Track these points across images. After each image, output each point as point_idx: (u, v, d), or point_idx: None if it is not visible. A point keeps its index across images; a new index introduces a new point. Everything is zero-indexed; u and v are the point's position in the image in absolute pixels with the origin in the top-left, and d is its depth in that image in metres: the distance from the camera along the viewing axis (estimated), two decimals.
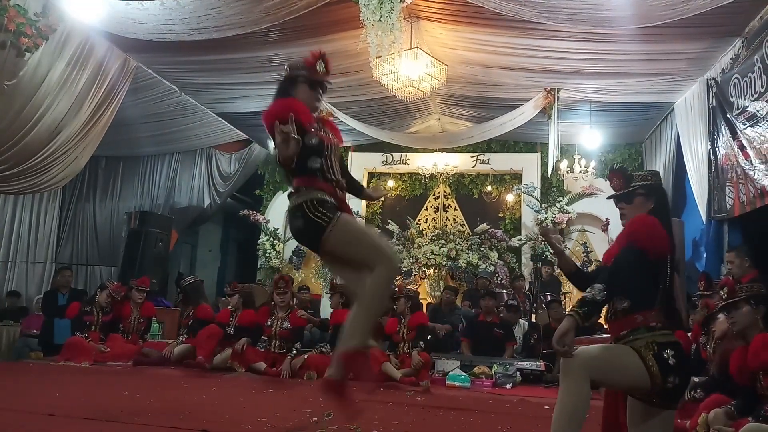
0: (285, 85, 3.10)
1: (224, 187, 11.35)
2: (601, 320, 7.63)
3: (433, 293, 9.87)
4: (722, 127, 6.57)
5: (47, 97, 6.56)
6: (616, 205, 2.79)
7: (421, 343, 6.17)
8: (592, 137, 8.98)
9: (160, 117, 9.32)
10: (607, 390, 2.78)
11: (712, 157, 6.86)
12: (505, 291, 8.53)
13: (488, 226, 10.24)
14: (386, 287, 2.89)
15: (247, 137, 10.75)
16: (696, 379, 4.00)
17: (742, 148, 6.02)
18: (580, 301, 2.39)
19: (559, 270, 9.55)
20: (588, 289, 2.41)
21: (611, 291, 2.43)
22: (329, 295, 7.46)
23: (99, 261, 11.00)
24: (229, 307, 7.08)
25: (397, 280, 9.78)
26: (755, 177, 5.73)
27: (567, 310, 8.13)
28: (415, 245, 10.25)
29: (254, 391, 5.09)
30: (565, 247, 9.78)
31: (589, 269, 9.56)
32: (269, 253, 10.91)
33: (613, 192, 2.82)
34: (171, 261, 11.54)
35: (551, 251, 3.10)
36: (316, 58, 3.07)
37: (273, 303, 6.62)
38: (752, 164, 5.78)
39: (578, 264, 3.12)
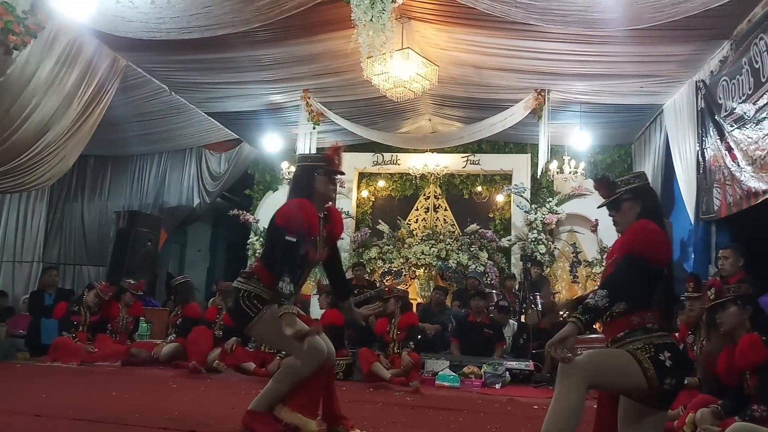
0: (306, 176, 3.33)
1: (214, 186, 11.30)
2: None
3: (423, 293, 9.88)
4: (710, 128, 6.62)
5: (35, 96, 6.50)
6: (609, 214, 2.80)
7: (411, 343, 6.18)
8: (581, 138, 9.02)
9: (149, 116, 9.26)
10: (601, 391, 2.79)
11: (700, 159, 6.91)
12: (494, 291, 8.56)
13: (478, 227, 10.25)
14: (298, 375, 3.13)
15: (237, 137, 10.71)
16: (686, 381, 4.02)
17: (729, 149, 6.07)
18: (583, 307, 2.39)
19: (548, 270, 9.62)
20: (591, 296, 2.42)
21: (613, 298, 2.43)
22: (317, 296, 7.46)
23: (87, 261, 10.92)
24: (218, 304, 7.06)
25: (387, 280, 9.80)
26: (741, 179, 5.78)
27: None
28: (406, 245, 10.26)
29: (243, 392, 5.06)
30: (554, 248, 9.83)
31: (580, 266, 9.62)
32: (259, 254, 10.87)
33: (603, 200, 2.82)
34: (160, 261, 11.47)
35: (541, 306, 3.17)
36: (335, 150, 3.33)
37: None
38: (739, 166, 5.83)
39: (562, 302, 3.10)
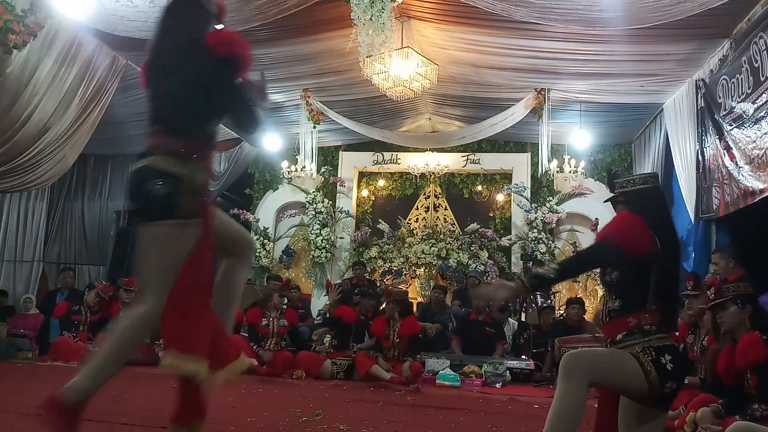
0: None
1: (214, 185, 11.26)
2: (588, 317, 7.69)
3: (423, 293, 9.88)
4: (710, 127, 6.62)
5: (35, 95, 6.49)
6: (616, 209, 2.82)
7: (416, 355, 6.16)
8: (581, 137, 9.01)
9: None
10: (601, 391, 2.80)
11: (700, 158, 6.91)
12: None
13: (478, 226, 10.25)
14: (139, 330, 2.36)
15: (237, 136, 10.70)
16: (685, 381, 4.02)
17: (727, 149, 6.07)
18: (532, 272, 2.43)
19: None
20: (544, 266, 2.45)
21: (564, 272, 2.48)
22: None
23: (87, 260, 10.90)
24: None
25: (387, 279, 9.79)
26: (739, 178, 5.78)
27: (557, 309, 8.19)
28: (406, 245, 10.25)
29: (244, 391, 5.07)
30: (555, 247, 9.82)
31: None
32: (259, 253, 10.87)
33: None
34: None
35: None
36: None
37: (270, 303, 6.61)
38: (737, 165, 5.83)
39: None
